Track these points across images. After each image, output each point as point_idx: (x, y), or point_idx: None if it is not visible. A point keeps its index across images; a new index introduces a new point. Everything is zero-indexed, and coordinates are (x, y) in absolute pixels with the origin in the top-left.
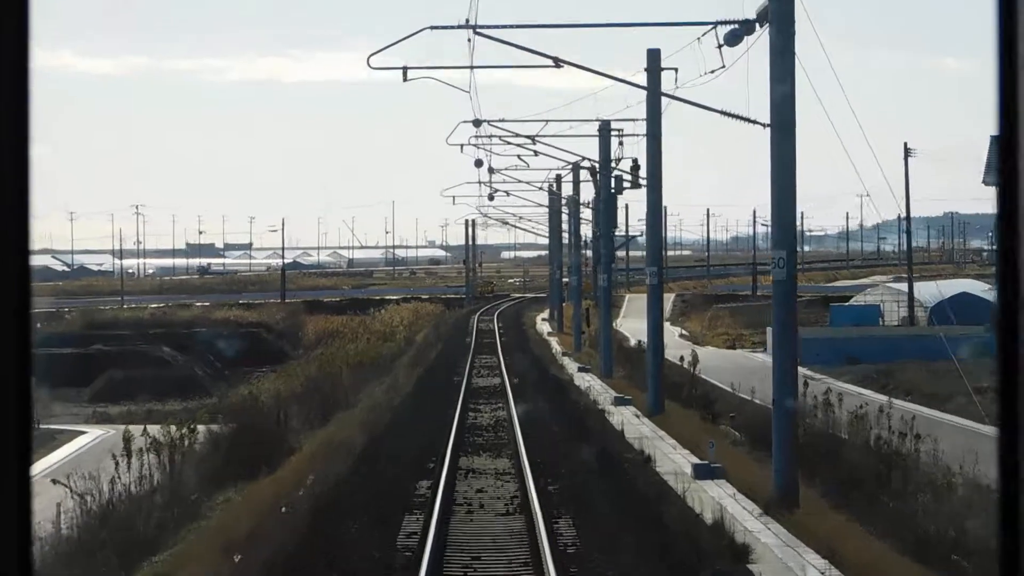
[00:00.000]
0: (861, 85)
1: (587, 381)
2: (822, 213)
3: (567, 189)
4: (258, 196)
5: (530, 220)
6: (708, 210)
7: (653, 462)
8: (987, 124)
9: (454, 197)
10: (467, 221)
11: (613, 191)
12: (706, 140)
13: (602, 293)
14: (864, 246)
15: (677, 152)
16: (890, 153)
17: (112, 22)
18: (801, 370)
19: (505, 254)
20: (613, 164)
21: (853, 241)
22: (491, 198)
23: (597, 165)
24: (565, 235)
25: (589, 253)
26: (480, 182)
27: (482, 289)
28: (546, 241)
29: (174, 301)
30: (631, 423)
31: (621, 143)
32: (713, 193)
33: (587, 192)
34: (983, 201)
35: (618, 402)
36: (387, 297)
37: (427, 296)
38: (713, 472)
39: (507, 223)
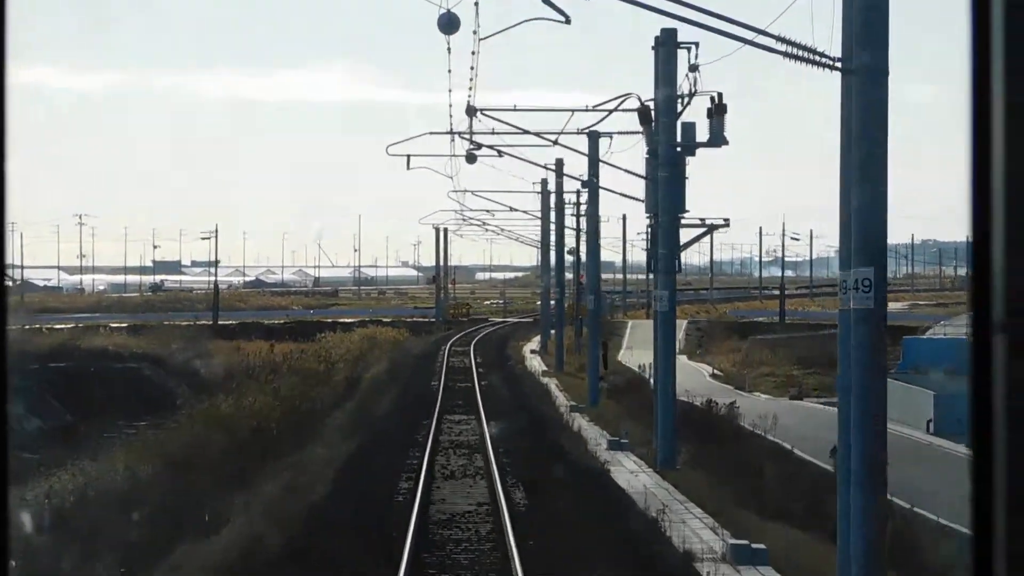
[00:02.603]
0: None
1: (632, 471)
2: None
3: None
4: (225, 213)
5: (509, 231)
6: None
7: None
8: None
9: (432, 225)
10: (437, 230)
11: (678, 148)
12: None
13: (660, 319)
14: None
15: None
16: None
17: (90, 39)
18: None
19: (480, 275)
20: (680, 100)
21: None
22: (472, 159)
23: (649, 104)
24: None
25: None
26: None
27: (455, 312)
28: (524, 263)
29: (89, 321)
30: None
31: (695, 68)
32: (705, 207)
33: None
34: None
35: (741, 557)
36: (341, 320)
37: (390, 319)
38: None
39: (485, 225)
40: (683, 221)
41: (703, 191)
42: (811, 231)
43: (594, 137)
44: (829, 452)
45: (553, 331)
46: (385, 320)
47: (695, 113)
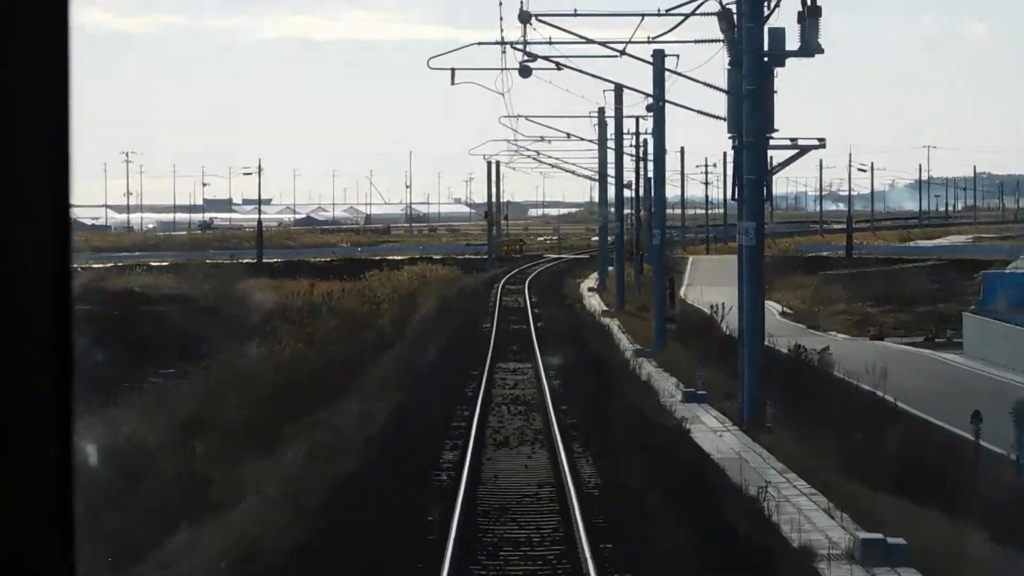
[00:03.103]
0: None
1: (715, 430)
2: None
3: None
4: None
5: (564, 163)
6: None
7: None
8: None
9: (483, 156)
10: (489, 164)
11: (766, 58)
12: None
13: (746, 254)
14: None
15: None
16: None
17: None
18: None
19: (533, 212)
20: (766, 2)
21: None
22: (526, 72)
23: (731, 7)
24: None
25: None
26: (508, 140)
27: (508, 248)
28: (577, 199)
29: (130, 260)
30: None
31: None
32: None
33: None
34: None
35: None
36: (391, 257)
37: (441, 256)
38: None
39: (539, 156)
40: (772, 142)
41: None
42: (871, 163)
43: (659, 56)
44: (970, 418)
45: (611, 268)
46: (436, 257)
47: (784, 18)
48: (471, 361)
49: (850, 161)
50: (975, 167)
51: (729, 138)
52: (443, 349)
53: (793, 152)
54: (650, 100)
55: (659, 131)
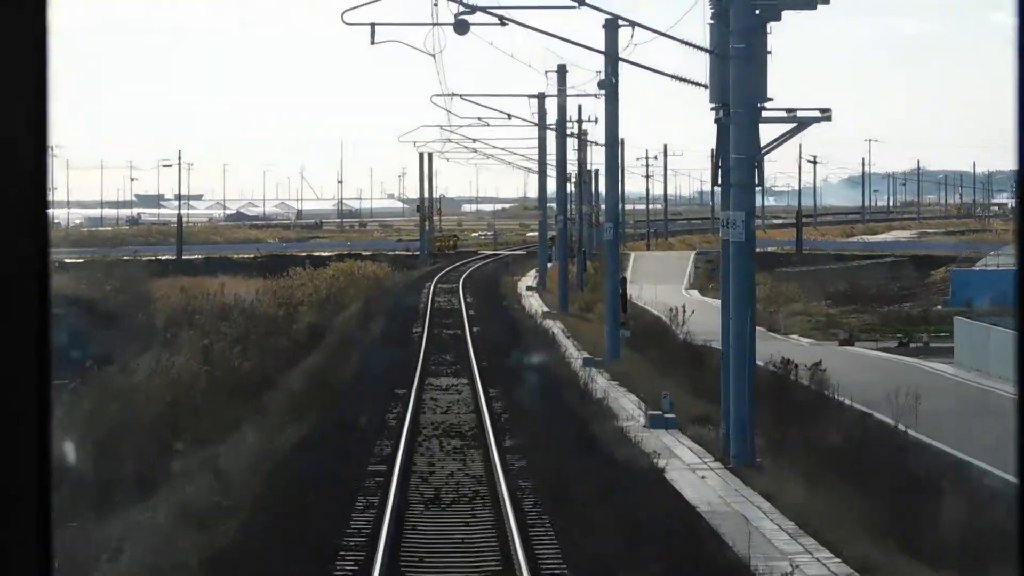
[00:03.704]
0: None
1: (693, 467)
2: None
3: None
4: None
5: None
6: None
7: None
8: None
9: (414, 142)
10: (421, 156)
11: (758, 11)
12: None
13: (733, 252)
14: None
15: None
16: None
17: None
18: None
19: (467, 207)
20: None
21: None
22: (462, 27)
23: None
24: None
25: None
26: (441, 127)
27: (441, 244)
28: (511, 195)
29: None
30: None
31: None
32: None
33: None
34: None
35: None
36: (317, 253)
37: (370, 253)
38: None
39: (474, 146)
40: (764, 114)
41: None
42: (815, 156)
43: (612, 26)
44: None
45: (549, 264)
46: (365, 254)
47: None
48: (397, 375)
49: (800, 153)
50: (919, 161)
51: (712, 109)
52: (365, 359)
53: (791, 126)
54: (602, 76)
55: (612, 108)
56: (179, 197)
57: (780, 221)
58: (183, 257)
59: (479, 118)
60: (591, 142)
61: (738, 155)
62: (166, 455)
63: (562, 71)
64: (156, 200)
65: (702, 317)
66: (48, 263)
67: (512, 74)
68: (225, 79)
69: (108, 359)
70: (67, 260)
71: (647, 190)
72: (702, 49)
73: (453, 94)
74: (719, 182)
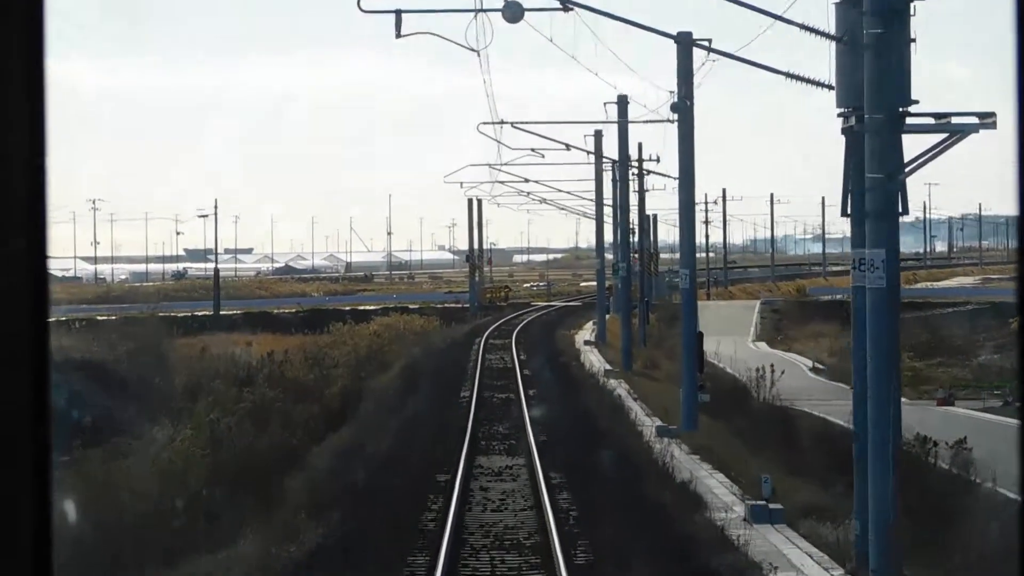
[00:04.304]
0: None
1: None
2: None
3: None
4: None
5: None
6: (772, 196)
7: None
8: None
9: (460, 183)
10: (470, 202)
11: None
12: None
13: (870, 300)
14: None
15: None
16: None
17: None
18: None
19: (518, 258)
20: None
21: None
22: (515, 10)
23: None
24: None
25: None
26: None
27: (493, 295)
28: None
29: (74, 314)
30: None
31: None
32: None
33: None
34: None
35: None
36: (362, 307)
37: (417, 305)
38: None
39: (526, 187)
40: (908, 120)
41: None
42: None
43: (686, 42)
44: None
45: (608, 316)
46: (412, 307)
47: None
48: (440, 454)
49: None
50: (980, 204)
51: (839, 115)
52: (402, 435)
53: (941, 136)
54: (674, 99)
55: (687, 131)
56: (215, 248)
57: (839, 268)
58: (221, 312)
59: (533, 149)
60: (651, 178)
61: (875, 174)
62: None
63: (622, 102)
64: (204, 254)
65: (777, 374)
66: (46, 264)
67: (575, 74)
68: (280, 139)
69: (100, 436)
70: (98, 318)
71: (706, 236)
72: (827, 36)
73: (503, 121)
74: (848, 211)
